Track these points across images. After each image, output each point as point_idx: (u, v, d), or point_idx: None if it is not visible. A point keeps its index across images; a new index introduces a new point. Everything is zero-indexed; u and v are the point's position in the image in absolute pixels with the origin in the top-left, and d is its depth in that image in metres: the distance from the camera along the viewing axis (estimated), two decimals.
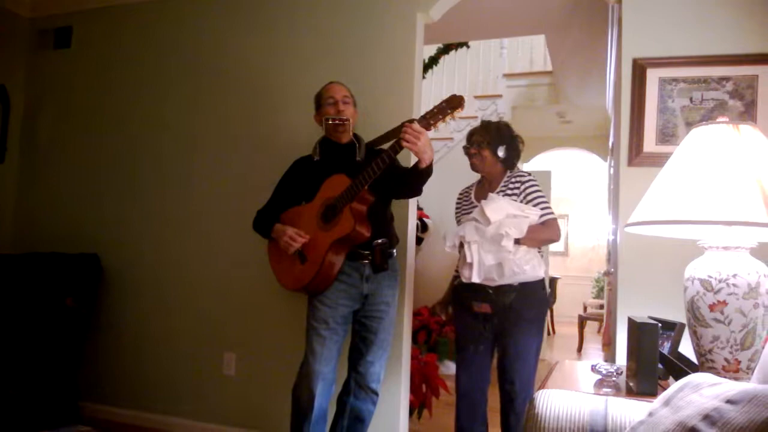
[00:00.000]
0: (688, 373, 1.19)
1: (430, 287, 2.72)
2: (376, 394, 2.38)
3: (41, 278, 3.14)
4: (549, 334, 7.56)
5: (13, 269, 3.18)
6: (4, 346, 2.95)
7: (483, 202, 2.30)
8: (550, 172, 6.07)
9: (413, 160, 2.19)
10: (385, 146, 2.25)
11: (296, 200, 2.41)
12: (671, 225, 1.46)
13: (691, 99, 2.33)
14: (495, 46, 6.19)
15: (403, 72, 2.80)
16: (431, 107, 2.08)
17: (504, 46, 6.12)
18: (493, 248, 2.22)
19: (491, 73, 6.23)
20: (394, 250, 2.40)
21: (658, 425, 0.99)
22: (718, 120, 1.46)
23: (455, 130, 5.71)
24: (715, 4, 2.35)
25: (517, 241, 2.22)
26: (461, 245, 2.30)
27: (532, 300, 2.30)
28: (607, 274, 6.45)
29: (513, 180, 2.36)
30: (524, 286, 2.26)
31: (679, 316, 1.69)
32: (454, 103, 2.04)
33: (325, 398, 2.26)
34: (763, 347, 1.40)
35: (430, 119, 2.06)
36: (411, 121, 2.10)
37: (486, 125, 2.46)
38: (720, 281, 1.38)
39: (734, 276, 1.37)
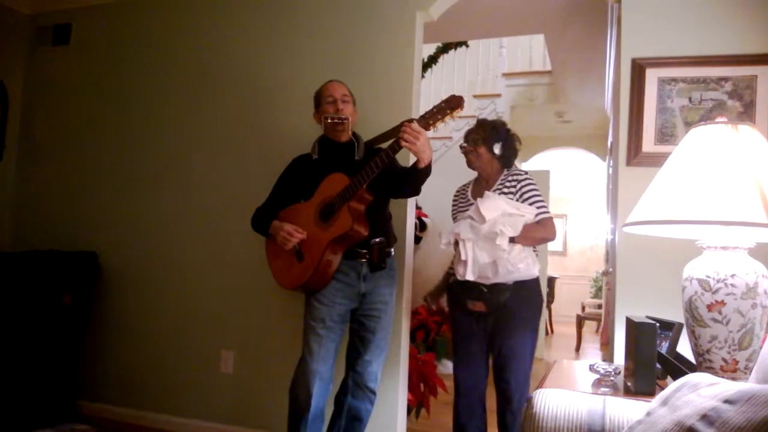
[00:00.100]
0: (686, 373, 1.19)
1: (428, 286, 2.72)
2: (374, 393, 2.38)
3: (39, 276, 3.14)
4: (547, 333, 7.57)
5: (11, 267, 3.18)
6: (2, 344, 2.94)
7: (479, 200, 2.31)
8: (549, 171, 6.08)
9: (412, 159, 2.19)
10: (384, 145, 2.25)
11: (295, 198, 2.41)
12: (670, 225, 1.46)
13: (690, 99, 2.33)
14: (494, 46, 6.19)
15: (402, 71, 2.80)
16: (431, 107, 2.08)
17: (503, 45, 6.11)
18: (488, 246, 2.22)
19: (490, 72, 6.23)
20: (392, 250, 2.40)
21: (656, 425, 0.99)
22: (716, 120, 1.46)
23: (454, 129, 5.71)
24: (714, 4, 2.35)
25: (512, 240, 2.22)
26: (456, 243, 2.31)
27: (527, 299, 2.31)
28: (605, 273, 6.47)
29: (509, 178, 2.37)
30: (519, 285, 2.26)
31: (677, 315, 1.69)
32: (453, 104, 2.04)
33: (322, 397, 2.26)
34: (760, 347, 1.41)
35: (429, 119, 2.06)
36: (410, 120, 2.10)
37: (482, 123, 2.47)
38: (718, 281, 1.38)
39: (732, 276, 1.37)
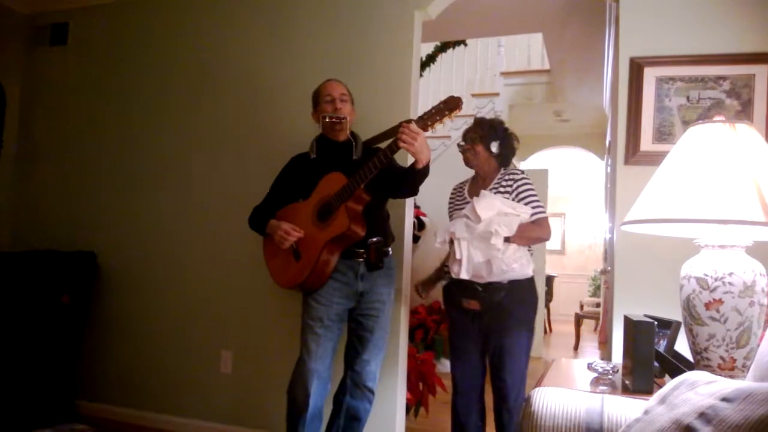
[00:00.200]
0: (684, 371, 1.19)
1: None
2: (373, 392, 2.38)
3: (38, 276, 3.14)
4: (546, 332, 7.58)
5: (9, 267, 3.17)
6: (1, 345, 2.94)
7: (474, 199, 2.31)
8: (547, 170, 6.09)
9: (410, 159, 2.19)
10: (382, 145, 2.25)
11: (292, 197, 2.40)
12: (668, 223, 1.47)
13: (688, 98, 2.34)
14: (492, 45, 6.19)
15: (400, 70, 2.80)
16: (429, 108, 2.08)
17: (501, 44, 6.11)
18: (482, 245, 2.23)
19: (488, 71, 6.23)
20: (390, 249, 2.40)
21: (654, 423, 0.99)
22: (714, 119, 1.47)
23: (453, 128, 5.70)
24: (712, 3, 2.35)
25: (507, 239, 2.23)
26: (451, 241, 2.31)
27: (522, 298, 2.31)
28: (603, 272, 6.47)
29: (506, 177, 2.38)
30: (514, 284, 2.27)
31: (675, 314, 1.69)
32: (451, 105, 2.04)
33: (320, 396, 2.26)
34: (758, 346, 1.41)
35: (427, 120, 2.06)
36: (408, 121, 2.10)
37: (479, 121, 2.48)
38: (716, 279, 1.38)
39: (730, 274, 1.38)
